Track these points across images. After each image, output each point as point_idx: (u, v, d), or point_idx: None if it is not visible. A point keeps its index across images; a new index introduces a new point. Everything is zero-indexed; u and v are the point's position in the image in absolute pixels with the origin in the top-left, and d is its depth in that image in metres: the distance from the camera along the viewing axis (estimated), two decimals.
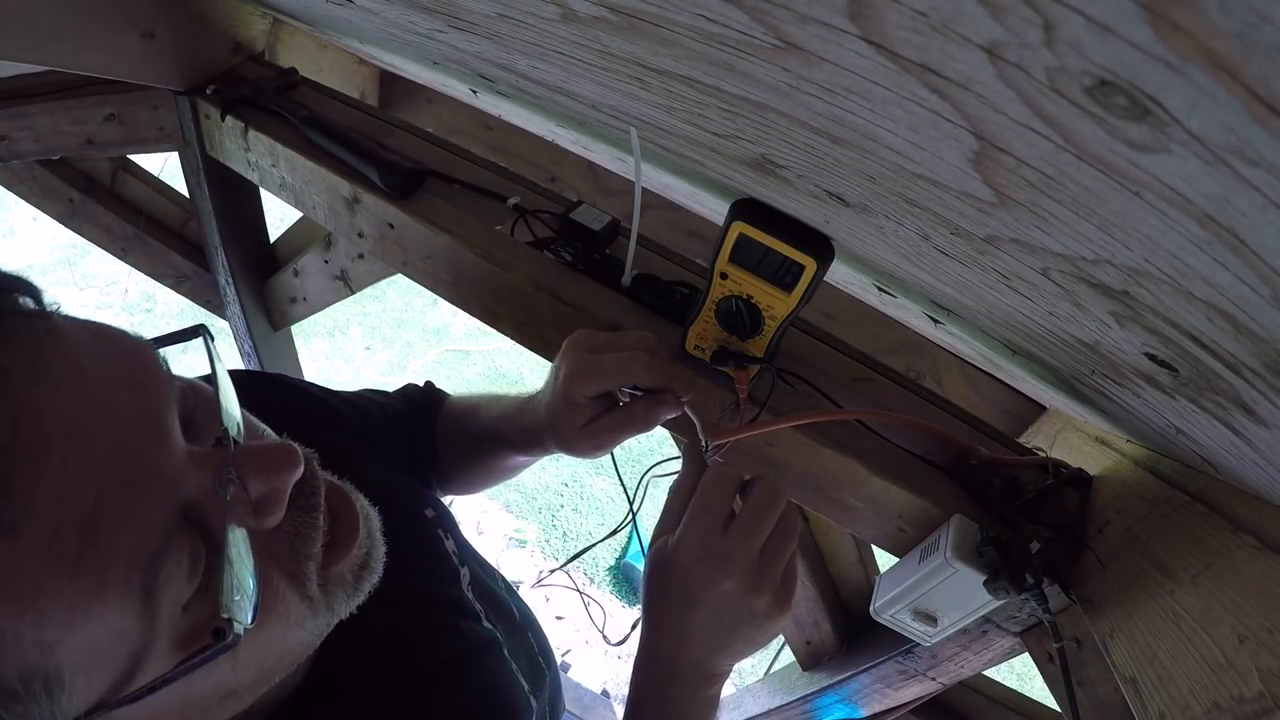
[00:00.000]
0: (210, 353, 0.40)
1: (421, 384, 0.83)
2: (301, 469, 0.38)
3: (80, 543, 0.29)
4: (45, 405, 0.29)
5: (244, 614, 0.33)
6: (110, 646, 0.30)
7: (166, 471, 0.33)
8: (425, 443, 0.76)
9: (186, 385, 0.38)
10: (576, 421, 0.59)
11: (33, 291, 0.33)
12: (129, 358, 0.34)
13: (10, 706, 0.28)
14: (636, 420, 0.59)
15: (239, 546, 0.34)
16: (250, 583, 0.34)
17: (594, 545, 0.96)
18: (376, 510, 0.46)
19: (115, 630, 0.30)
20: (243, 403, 0.40)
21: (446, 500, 0.78)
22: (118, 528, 0.30)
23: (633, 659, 0.56)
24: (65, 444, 0.29)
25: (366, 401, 0.73)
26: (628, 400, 0.60)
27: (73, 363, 0.31)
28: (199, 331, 0.41)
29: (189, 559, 0.33)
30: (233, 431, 0.37)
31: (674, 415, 0.59)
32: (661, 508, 0.56)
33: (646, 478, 0.61)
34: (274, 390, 0.65)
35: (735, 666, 0.57)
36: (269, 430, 0.43)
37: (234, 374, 0.59)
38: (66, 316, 0.34)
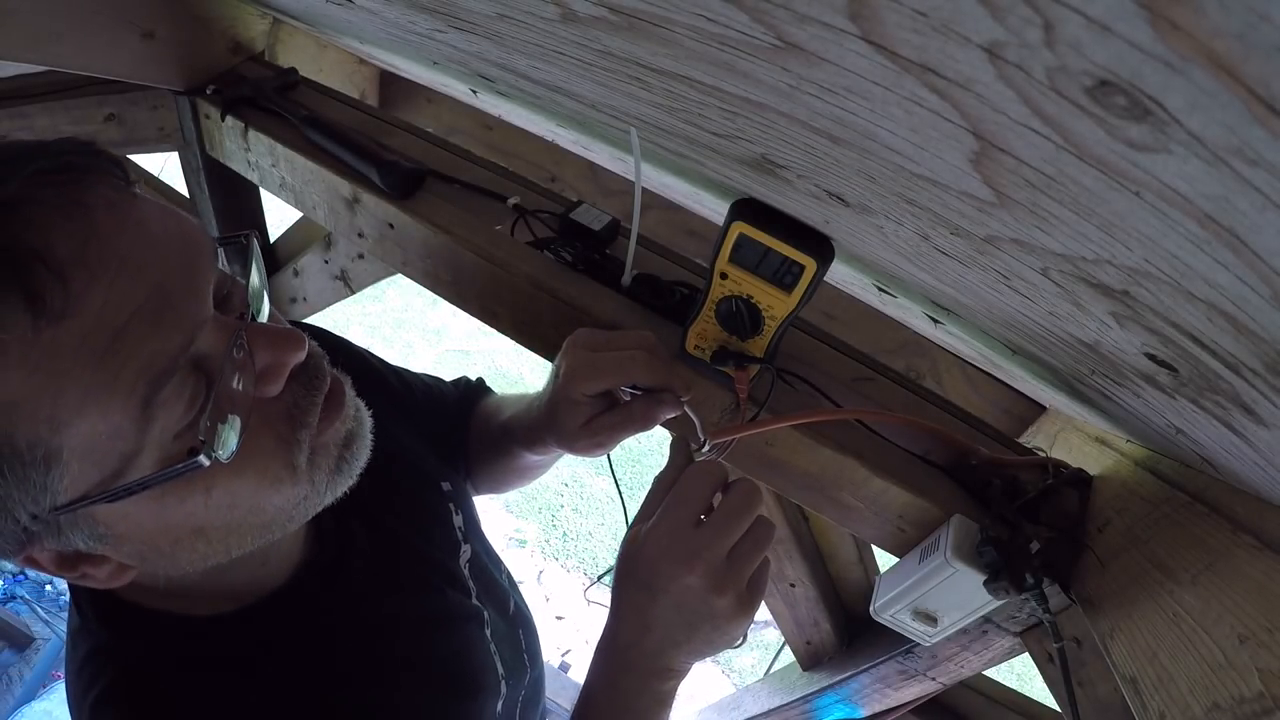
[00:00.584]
0: (251, 250, 0.45)
1: (474, 379, 0.85)
2: (304, 353, 0.43)
3: (106, 345, 0.35)
4: (110, 236, 0.36)
5: (221, 446, 0.38)
6: (106, 443, 0.36)
7: (187, 318, 0.38)
8: (459, 435, 0.78)
9: (231, 274, 0.44)
10: (577, 420, 0.59)
11: (126, 173, 0.40)
12: (186, 232, 0.40)
13: (14, 466, 0.34)
14: (636, 419, 0.59)
15: (232, 395, 0.39)
16: (235, 426, 0.39)
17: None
18: (402, 471, 0.52)
19: (113, 426, 0.36)
20: None
21: None
22: (137, 343, 0.36)
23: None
24: (118, 269, 0.35)
25: (415, 379, 0.76)
26: (628, 399, 0.60)
27: (140, 218, 0.38)
28: (248, 236, 0.46)
29: (190, 392, 0.38)
30: (254, 309, 0.43)
31: (674, 415, 0.59)
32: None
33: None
34: (326, 344, 0.67)
35: (737, 667, 0.59)
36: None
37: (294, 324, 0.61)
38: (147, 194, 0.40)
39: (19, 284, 0.32)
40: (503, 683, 0.61)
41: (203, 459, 0.37)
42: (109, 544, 0.40)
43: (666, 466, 0.57)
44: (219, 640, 0.48)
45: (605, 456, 0.67)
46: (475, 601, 0.62)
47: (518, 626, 0.69)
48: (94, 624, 0.47)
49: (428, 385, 0.77)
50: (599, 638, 0.56)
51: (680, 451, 0.57)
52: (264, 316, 0.44)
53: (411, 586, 0.58)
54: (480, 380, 0.85)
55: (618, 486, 0.79)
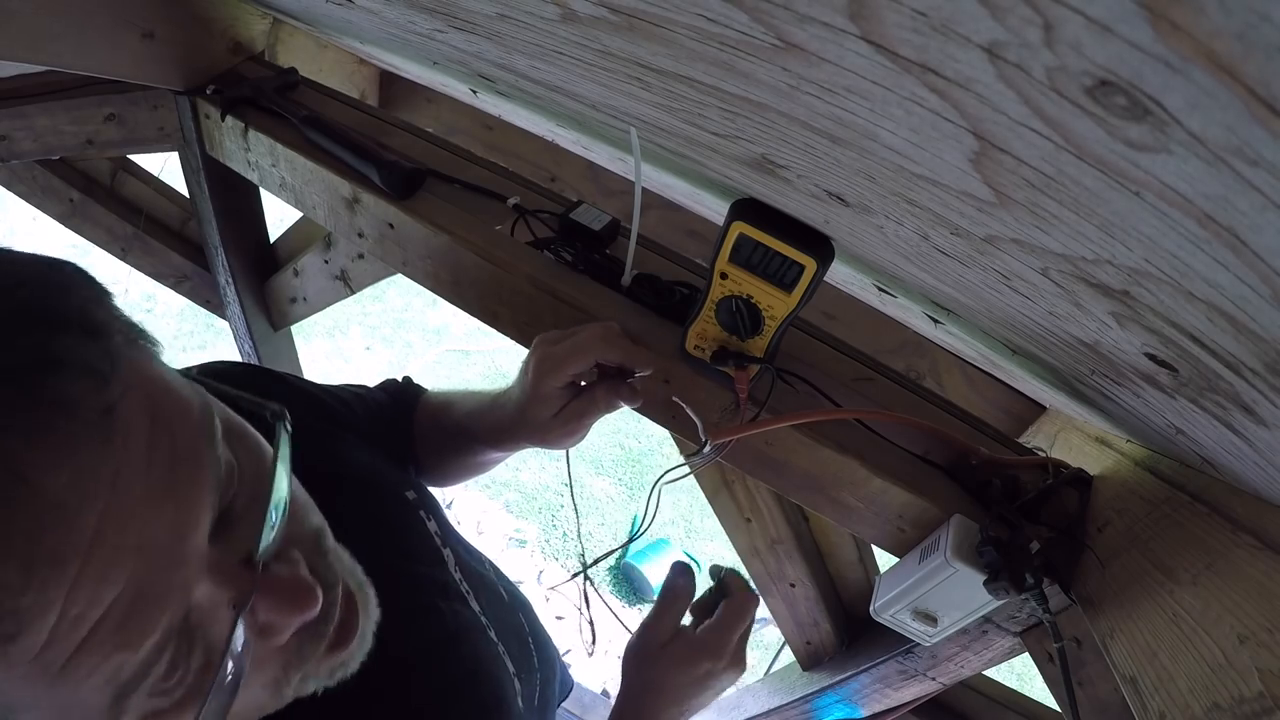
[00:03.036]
0: (278, 450, 0.37)
1: (400, 379, 0.83)
2: (315, 611, 0.36)
3: (68, 659, 0.27)
4: (75, 516, 0.27)
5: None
6: None
7: (178, 588, 0.31)
8: (403, 435, 0.77)
9: (231, 468, 0.34)
10: (548, 412, 0.63)
11: (100, 331, 0.29)
12: (180, 459, 0.31)
13: None
14: (598, 401, 0.63)
15: (231, 660, 0.33)
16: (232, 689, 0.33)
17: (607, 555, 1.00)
18: (361, 492, 0.49)
19: None
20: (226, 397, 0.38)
21: (445, 498, 0.78)
22: (111, 645, 0.28)
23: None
24: (86, 557, 0.27)
25: (348, 394, 0.74)
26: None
27: (118, 469, 0.28)
28: (281, 415, 0.38)
29: (172, 655, 0.31)
30: (261, 550, 0.35)
31: (634, 402, 0.64)
32: (657, 604, 0.66)
33: (658, 486, 0.65)
34: (261, 384, 0.66)
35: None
36: (310, 503, 0.42)
37: (220, 368, 0.60)
38: (133, 373, 0.30)
39: None
40: (516, 680, 0.60)
41: None
42: None
43: (674, 584, 0.67)
44: None
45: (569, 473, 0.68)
46: (474, 605, 0.61)
47: (517, 613, 0.69)
48: None
49: (361, 397, 0.75)
50: (616, 712, 0.64)
51: (681, 574, 0.67)
52: (272, 531, 0.35)
53: (411, 617, 0.55)
54: (408, 379, 0.84)
55: (571, 488, 0.78)
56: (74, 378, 0.27)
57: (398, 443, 0.75)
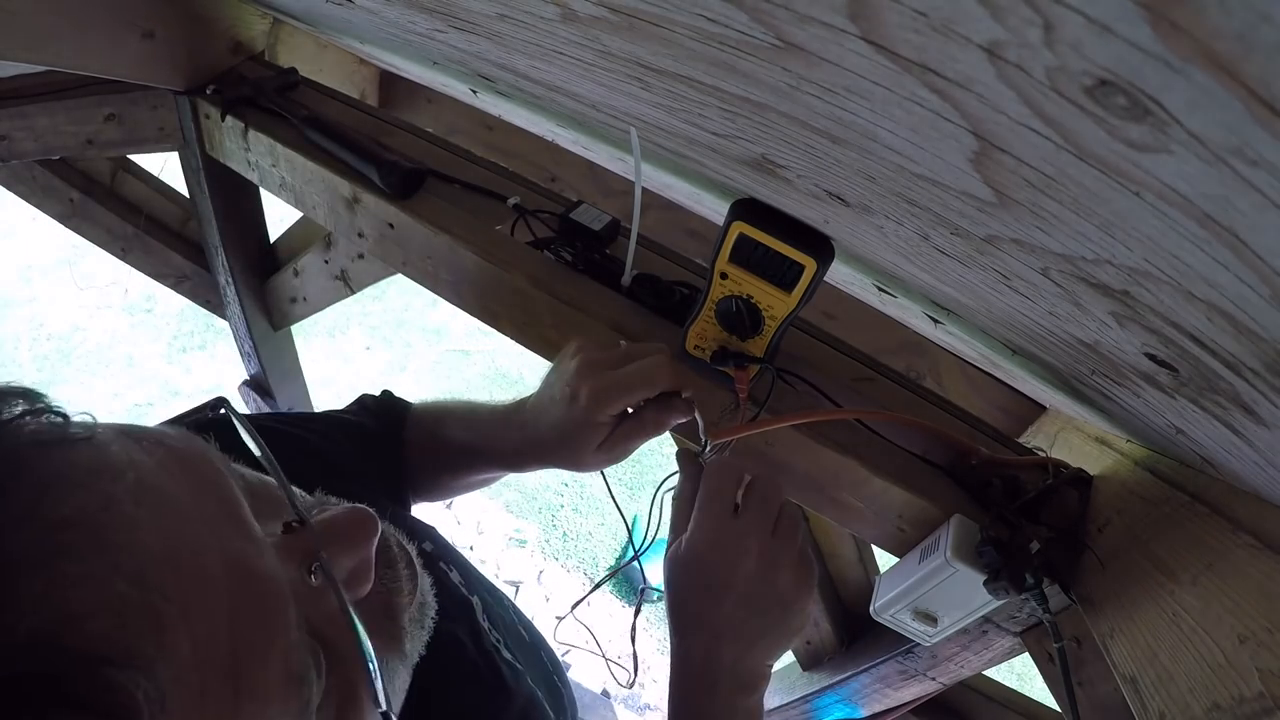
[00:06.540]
0: (248, 432, 0.35)
1: (378, 393, 0.77)
2: (378, 531, 0.35)
3: (233, 688, 0.25)
4: (145, 548, 0.24)
5: (393, 699, 0.32)
6: None
7: (276, 574, 0.29)
8: (393, 456, 0.71)
9: (225, 460, 0.33)
10: (595, 441, 0.58)
11: (40, 400, 0.27)
12: (190, 461, 0.29)
13: None
14: (648, 426, 0.58)
15: (362, 630, 0.31)
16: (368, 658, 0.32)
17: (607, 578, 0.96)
18: None
19: None
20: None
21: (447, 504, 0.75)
22: (263, 654, 0.26)
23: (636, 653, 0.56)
24: (179, 584, 0.24)
25: (329, 424, 0.68)
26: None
27: (148, 485, 0.26)
28: (220, 404, 0.36)
29: (315, 661, 0.29)
30: (298, 506, 0.33)
31: (685, 418, 0.58)
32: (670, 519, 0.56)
33: (660, 494, 0.61)
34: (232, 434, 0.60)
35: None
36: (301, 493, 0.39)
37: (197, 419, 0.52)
38: (100, 429, 0.27)
39: (97, 713, 0.21)
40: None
41: None
42: None
43: (681, 482, 0.58)
44: None
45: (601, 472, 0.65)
46: (507, 655, 0.57)
47: (539, 652, 0.65)
48: None
49: (343, 424, 0.69)
50: (670, 667, 0.53)
51: (690, 463, 0.58)
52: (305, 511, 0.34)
53: (462, 680, 0.52)
54: (387, 393, 0.77)
55: (611, 494, 0.77)
56: (48, 428, 0.25)
57: (388, 467, 0.70)
